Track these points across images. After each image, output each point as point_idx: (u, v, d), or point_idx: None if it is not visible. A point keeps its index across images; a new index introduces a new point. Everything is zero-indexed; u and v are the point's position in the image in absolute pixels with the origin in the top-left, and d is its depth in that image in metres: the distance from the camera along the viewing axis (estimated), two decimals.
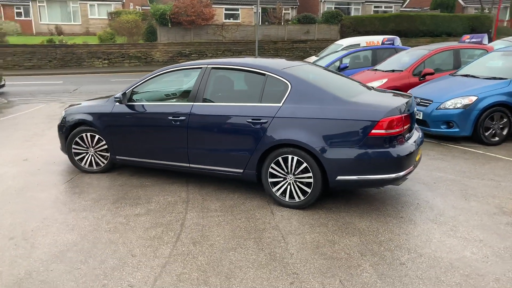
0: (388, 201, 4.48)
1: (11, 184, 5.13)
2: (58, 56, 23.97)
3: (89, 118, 5.29)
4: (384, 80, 8.86)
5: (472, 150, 6.42)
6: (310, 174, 4.12)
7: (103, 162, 5.45)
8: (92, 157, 5.47)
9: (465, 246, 3.48)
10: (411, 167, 4.12)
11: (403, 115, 3.99)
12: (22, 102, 12.63)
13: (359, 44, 15.31)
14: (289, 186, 4.28)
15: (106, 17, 30.06)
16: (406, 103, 4.29)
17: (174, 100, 5.32)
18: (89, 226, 3.92)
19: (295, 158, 4.16)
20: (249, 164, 4.41)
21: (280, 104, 4.25)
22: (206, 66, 4.76)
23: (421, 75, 8.71)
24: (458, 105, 6.69)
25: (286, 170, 4.24)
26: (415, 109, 4.70)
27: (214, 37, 25.46)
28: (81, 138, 5.40)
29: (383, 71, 9.36)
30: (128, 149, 5.14)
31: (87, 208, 4.37)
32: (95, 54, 24.17)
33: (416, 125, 4.87)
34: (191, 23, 24.22)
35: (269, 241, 3.60)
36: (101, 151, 5.40)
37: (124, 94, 5.04)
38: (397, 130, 3.94)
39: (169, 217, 4.11)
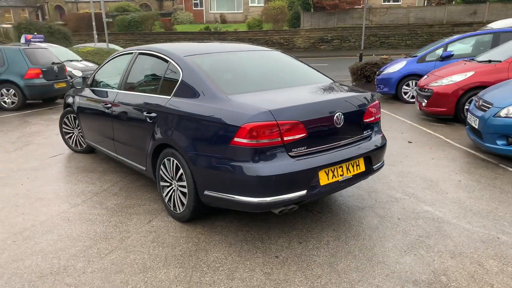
0: (294, 231, 3.39)
1: (11, 156, 5.81)
2: None
3: (71, 101, 5.55)
4: (469, 74, 6.76)
5: None
6: (185, 183, 3.42)
7: (85, 143, 5.68)
8: (77, 138, 5.75)
9: None
10: (302, 192, 2.98)
11: (280, 121, 2.90)
12: None
13: None
14: (173, 194, 3.66)
15: (263, 5, 31.24)
16: (317, 103, 3.16)
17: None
18: None
19: (175, 162, 3.51)
20: (147, 162, 3.94)
21: (170, 97, 3.62)
22: (135, 51, 4.40)
23: None
24: None
25: (171, 175, 3.63)
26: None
27: (359, 21, 23.76)
28: (68, 119, 5.73)
29: (477, 61, 7.13)
30: (88, 133, 5.21)
31: (19, 184, 4.61)
32: (242, 41, 25.52)
33: (375, 130, 3.58)
34: (334, 7, 23.18)
35: (90, 253, 3.14)
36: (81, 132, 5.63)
37: (83, 78, 5.10)
38: (268, 141, 2.90)
39: (56, 207, 3.99)
